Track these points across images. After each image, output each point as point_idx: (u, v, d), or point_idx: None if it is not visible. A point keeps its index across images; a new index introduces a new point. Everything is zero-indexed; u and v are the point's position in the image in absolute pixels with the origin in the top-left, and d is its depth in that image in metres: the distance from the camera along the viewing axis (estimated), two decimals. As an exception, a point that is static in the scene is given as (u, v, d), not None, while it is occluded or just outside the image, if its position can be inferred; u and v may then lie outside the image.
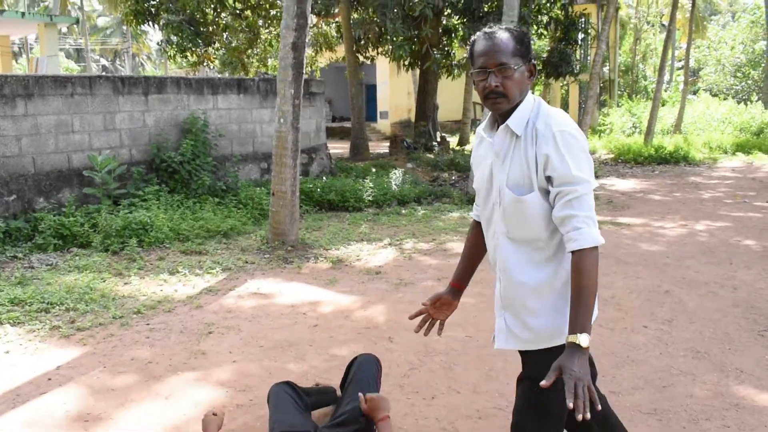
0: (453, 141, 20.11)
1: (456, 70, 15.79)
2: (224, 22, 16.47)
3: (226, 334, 4.73)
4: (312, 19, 18.62)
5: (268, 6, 16.42)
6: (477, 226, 2.50)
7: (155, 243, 7.48)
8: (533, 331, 2.15)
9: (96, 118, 8.80)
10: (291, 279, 6.25)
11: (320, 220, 9.38)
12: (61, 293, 5.52)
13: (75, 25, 41.87)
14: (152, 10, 14.78)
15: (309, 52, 21.32)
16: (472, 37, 2.17)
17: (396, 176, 12.04)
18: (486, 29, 2.13)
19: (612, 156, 17.99)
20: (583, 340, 1.87)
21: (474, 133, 2.55)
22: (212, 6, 15.13)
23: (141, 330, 4.82)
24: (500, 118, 2.16)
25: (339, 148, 19.12)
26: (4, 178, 7.85)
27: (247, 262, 6.85)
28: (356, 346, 4.45)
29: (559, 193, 2.02)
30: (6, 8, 29.12)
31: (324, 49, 20.11)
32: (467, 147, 18.63)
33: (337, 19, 18.31)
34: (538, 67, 13.66)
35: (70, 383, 3.88)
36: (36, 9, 38.28)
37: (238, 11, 16.19)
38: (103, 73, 41.51)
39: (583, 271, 1.93)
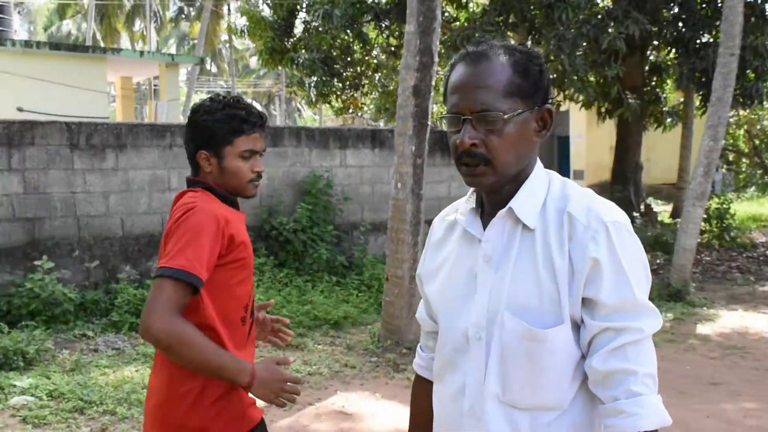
0: (663, 211, 18.93)
1: (669, 120, 14.88)
2: (375, 61, 16.90)
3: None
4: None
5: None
6: (424, 390, 1.89)
7: (245, 330, 7.45)
8: None
9: (198, 173, 9.12)
10: (393, 396, 5.88)
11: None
12: (106, 389, 5.57)
13: (227, 66, 45.62)
14: (289, 47, 15.49)
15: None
16: (452, 60, 1.70)
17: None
18: (470, 47, 1.64)
19: None
20: None
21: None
22: (360, 44, 15.56)
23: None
24: (488, 198, 1.68)
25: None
26: (87, 241, 8.29)
27: (347, 365, 6.60)
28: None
29: (605, 330, 1.53)
30: (128, 48, 32.31)
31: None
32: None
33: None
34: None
35: None
36: (185, 49, 42.24)
37: (393, 48, 16.55)
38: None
39: None
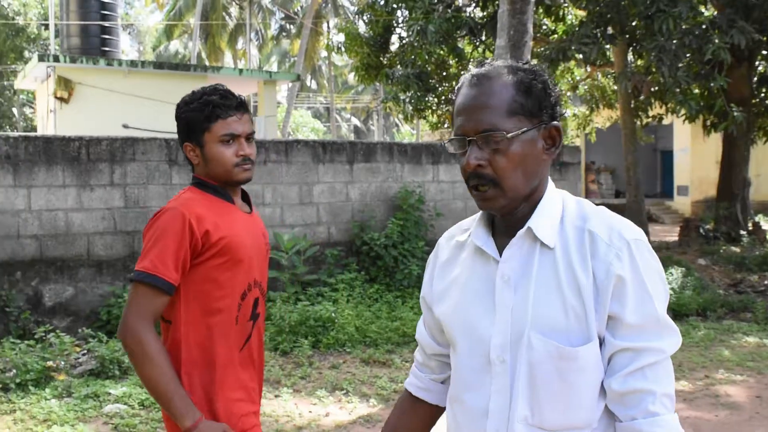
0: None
1: (779, 134, 14.22)
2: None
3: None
4: (586, 69, 18.30)
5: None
6: (416, 410, 1.92)
7: (334, 345, 7.50)
8: None
9: (291, 189, 9.28)
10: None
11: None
12: (195, 401, 5.66)
13: (326, 82, 46.42)
14: (384, 63, 15.60)
15: (581, 109, 20.93)
16: (458, 83, 1.70)
17: (675, 276, 10.96)
18: (475, 68, 1.65)
19: None
20: None
21: None
22: (455, 58, 15.53)
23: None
24: (502, 218, 1.67)
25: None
26: (184, 255, 8.51)
27: (433, 382, 6.50)
28: None
29: (625, 350, 1.54)
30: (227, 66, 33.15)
31: (602, 106, 19.58)
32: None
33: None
34: None
35: None
36: (286, 66, 43.19)
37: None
38: (336, 138, 45.05)
39: None
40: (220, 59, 38.74)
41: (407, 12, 15.45)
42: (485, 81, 1.60)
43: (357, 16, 16.99)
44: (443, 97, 16.52)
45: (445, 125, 17.90)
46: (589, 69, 18.21)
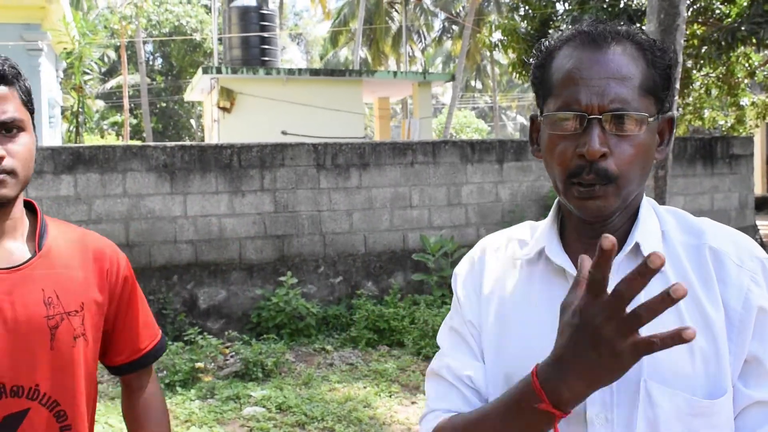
0: None
1: None
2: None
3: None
4: (765, 53, 17.01)
5: (695, 42, 15.51)
6: None
7: (480, 350, 7.31)
8: None
9: (438, 190, 9.17)
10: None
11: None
12: (330, 405, 5.68)
13: (491, 82, 46.00)
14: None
15: (761, 96, 19.46)
16: (546, 39, 1.33)
17: None
18: (587, 25, 1.28)
19: None
20: None
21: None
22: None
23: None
24: (584, 228, 1.32)
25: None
26: (332, 258, 8.62)
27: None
28: None
29: (759, 403, 1.21)
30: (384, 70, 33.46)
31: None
32: None
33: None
34: None
35: None
36: (450, 67, 43.22)
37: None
38: (497, 137, 44.50)
39: None
40: (384, 63, 39.35)
41: (566, 5, 14.98)
42: (611, 44, 1.24)
43: (512, 12, 16.66)
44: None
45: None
46: (767, 53, 16.93)
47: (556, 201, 1.39)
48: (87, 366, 1.67)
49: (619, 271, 1.22)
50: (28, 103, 1.63)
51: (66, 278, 1.65)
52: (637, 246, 1.27)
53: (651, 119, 1.24)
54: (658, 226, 1.31)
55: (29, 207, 1.72)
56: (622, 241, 1.29)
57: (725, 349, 1.20)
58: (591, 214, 1.25)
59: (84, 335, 1.65)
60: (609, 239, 0.97)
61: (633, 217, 1.32)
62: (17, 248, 1.63)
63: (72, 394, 1.63)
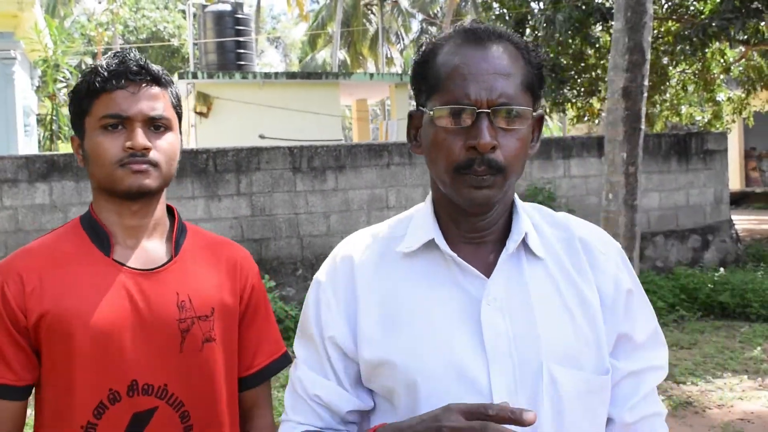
0: None
1: None
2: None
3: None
4: (740, 49, 17.21)
5: (670, 39, 15.67)
6: None
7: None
8: None
9: (415, 191, 9.24)
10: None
11: (699, 332, 8.20)
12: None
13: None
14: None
15: (736, 92, 19.66)
16: (426, 37, 1.36)
17: None
18: (469, 23, 1.33)
19: None
20: None
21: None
22: (592, 48, 15.01)
23: None
24: (465, 222, 1.35)
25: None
26: (310, 260, 8.66)
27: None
28: None
29: (632, 373, 1.35)
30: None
31: (759, 88, 18.35)
32: None
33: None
34: None
35: None
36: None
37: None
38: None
39: None
40: (363, 65, 39.42)
41: (540, 4, 15.08)
42: (496, 41, 1.29)
43: (486, 11, 16.75)
44: (582, 90, 15.98)
45: (585, 118, 17.34)
46: (743, 49, 17.11)
47: (429, 196, 1.42)
48: (217, 369, 1.67)
49: (509, 261, 1.32)
50: (177, 107, 1.71)
51: (199, 283, 1.68)
52: (523, 244, 1.34)
53: (534, 114, 1.31)
54: (529, 220, 1.37)
55: (169, 212, 1.76)
56: (504, 234, 1.35)
57: (602, 330, 1.32)
58: (479, 202, 1.28)
59: (214, 339, 1.67)
60: (533, 414, 1.07)
61: (509, 210, 1.38)
62: (155, 249, 1.67)
63: (199, 396, 1.65)
